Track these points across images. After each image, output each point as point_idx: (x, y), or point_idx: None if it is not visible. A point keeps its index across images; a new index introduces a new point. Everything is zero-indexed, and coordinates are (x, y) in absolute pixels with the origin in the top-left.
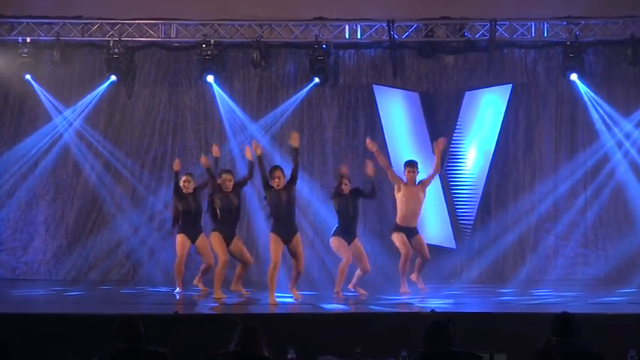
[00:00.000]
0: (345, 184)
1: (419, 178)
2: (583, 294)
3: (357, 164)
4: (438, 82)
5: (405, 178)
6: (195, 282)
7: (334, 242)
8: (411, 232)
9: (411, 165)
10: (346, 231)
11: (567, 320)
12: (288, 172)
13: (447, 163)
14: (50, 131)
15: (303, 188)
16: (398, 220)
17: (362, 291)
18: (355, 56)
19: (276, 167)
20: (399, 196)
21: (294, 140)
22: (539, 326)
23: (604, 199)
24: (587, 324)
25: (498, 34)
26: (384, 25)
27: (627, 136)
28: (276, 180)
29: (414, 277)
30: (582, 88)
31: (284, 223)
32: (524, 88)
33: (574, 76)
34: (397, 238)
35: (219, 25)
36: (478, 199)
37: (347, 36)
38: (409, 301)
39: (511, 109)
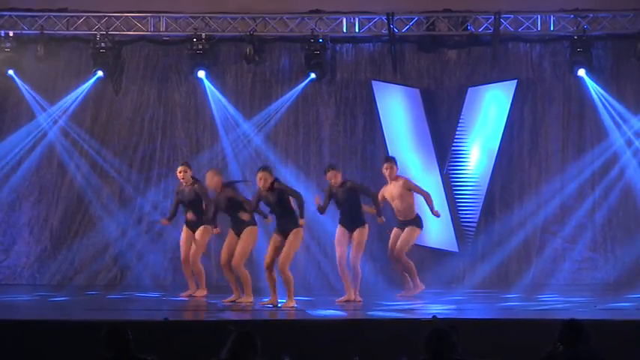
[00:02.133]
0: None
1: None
2: (591, 299)
3: (355, 163)
4: (440, 78)
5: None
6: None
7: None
8: (405, 224)
9: (385, 161)
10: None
11: (575, 327)
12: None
13: (449, 163)
14: (34, 129)
15: (299, 188)
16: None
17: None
18: (353, 51)
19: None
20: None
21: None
22: (546, 333)
23: (613, 200)
24: (595, 331)
25: (503, 27)
26: (383, 18)
27: (637, 134)
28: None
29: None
30: (590, 84)
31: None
32: (529, 84)
33: (582, 72)
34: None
35: (210, 18)
36: (481, 200)
37: (344, 29)
38: (410, 306)
39: (516, 106)
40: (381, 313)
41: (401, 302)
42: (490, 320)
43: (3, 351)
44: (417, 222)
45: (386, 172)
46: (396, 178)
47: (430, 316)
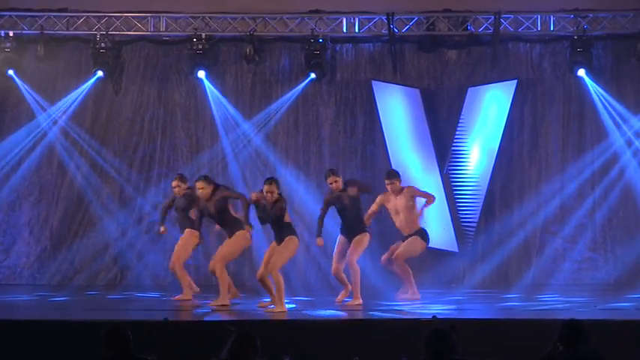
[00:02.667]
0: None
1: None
2: (591, 299)
3: (355, 163)
4: (440, 78)
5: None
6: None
7: None
8: (410, 237)
9: (387, 177)
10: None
11: (575, 327)
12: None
13: (449, 163)
14: (34, 129)
15: (299, 188)
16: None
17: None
18: (353, 51)
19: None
20: (390, 209)
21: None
22: (546, 333)
23: (613, 200)
24: (595, 331)
25: (503, 27)
26: (383, 18)
27: (637, 134)
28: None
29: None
30: (590, 84)
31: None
32: (529, 84)
33: (582, 72)
34: None
35: (210, 18)
36: (481, 200)
37: (344, 29)
38: (410, 307)
39: (516, 106)
40: (381, 313)
41: (401, 302)
42: (490, 320)
43: (3, 351)
44: (421, 234)
45: (389, 187)
46: (400, 191)
47: (430, 316)
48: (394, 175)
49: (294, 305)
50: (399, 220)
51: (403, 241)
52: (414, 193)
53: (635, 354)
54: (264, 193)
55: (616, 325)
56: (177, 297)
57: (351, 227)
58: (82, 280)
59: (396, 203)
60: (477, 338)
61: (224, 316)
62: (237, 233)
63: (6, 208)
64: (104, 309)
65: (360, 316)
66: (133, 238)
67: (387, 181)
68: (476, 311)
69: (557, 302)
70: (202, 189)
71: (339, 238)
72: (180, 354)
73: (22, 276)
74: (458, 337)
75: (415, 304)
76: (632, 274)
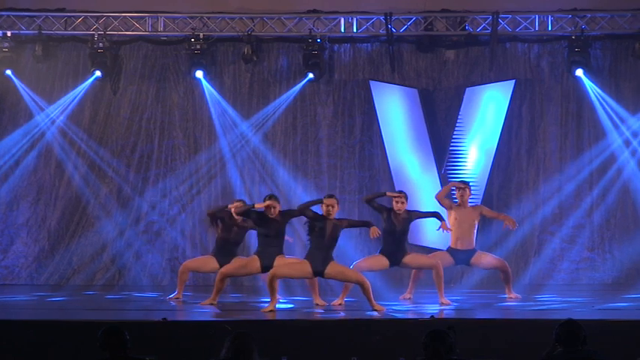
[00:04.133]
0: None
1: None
2: (589, 300)
3: (353, 163)
4: (438, 78)
5: (456, 201)
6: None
7: None
8: (469, 254)
9: (460, 188)
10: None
11: (573, 328)
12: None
13: (447, 163)
14: (32, 129)
15: (297, 188)
16: (451, 243)
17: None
18: (351, 51)
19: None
20: (451, 219)
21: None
22: (544, 334)
23: (611, 200)
24: (593, 331)
25: (501, 27)
26: (381, 18)
27: (635, 134)
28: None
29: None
30: (588, 84)
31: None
32: (527, 84)
33: (580, 72)
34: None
35: (208, 18)
36: (479, 200)
37: (342, 30)
38: (408, 307)
39: (514, 106)
40: (379, 314)
41: (399, 302)
42: (488, 320)
43: (2, 351)
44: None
45: (458, 196)
46: (467, 202)
47: (428, 317)
48: (466, 183)
49: (293, 305)
50: (459, 233)
51: (450, 254)
52: (484, 211)
53: (633, 354)
54: (326, 207)
55: (614, 325)
56: (171, 297)
57: (397, 249)
58: (79, 280)
59: (462, 215)
60: (474, 338)
61: (223, 316)
62: (253, 256)
63: (4, 208)
64: (102, 309)
65: (359, 316)
66: (130, 238)
67: (458, 192)
68: (474, 311)
69: (555, 302)
70: (275, 207)
71: (379, 257)
72: (179, 354)
73: (20, 276)
74: (456, 338)
75: (413, 304)
76: (630, 274)
